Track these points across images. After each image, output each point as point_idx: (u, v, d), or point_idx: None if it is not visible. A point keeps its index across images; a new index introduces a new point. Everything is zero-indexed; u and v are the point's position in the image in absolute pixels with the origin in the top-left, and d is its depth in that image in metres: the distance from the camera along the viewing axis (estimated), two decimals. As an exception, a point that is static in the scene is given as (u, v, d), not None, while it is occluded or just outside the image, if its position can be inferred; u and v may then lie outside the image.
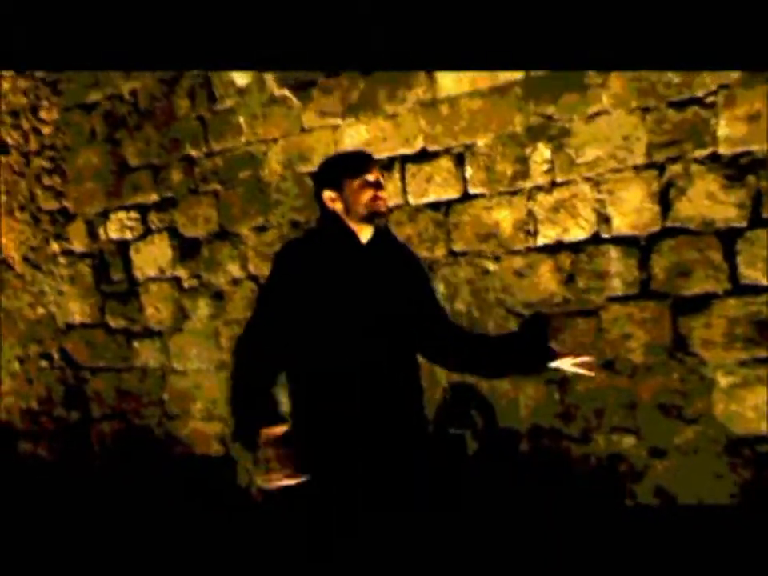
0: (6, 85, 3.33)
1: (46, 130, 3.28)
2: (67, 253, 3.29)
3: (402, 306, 1.51)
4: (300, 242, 1.58)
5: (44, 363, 3.35)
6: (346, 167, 1.57)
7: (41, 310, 3.34)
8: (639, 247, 2.23)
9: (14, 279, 3.37)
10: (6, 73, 3.30)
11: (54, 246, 3.30)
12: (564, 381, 2.34)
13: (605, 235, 2.28)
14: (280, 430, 1.37)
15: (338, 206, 1.54)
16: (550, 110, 2.32)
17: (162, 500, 2.90)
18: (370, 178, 1.54)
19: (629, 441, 2.27)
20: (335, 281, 1.45)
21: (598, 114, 2.26)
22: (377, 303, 1.46)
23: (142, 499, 2.90)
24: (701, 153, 2.14)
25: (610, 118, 2.24)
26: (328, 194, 1.56)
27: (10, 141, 3.34)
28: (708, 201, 2.14)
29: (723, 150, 2.11)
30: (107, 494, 3.02)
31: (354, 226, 1.53)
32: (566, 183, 2.32)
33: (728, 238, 2.12)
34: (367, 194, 1.52)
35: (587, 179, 2.29)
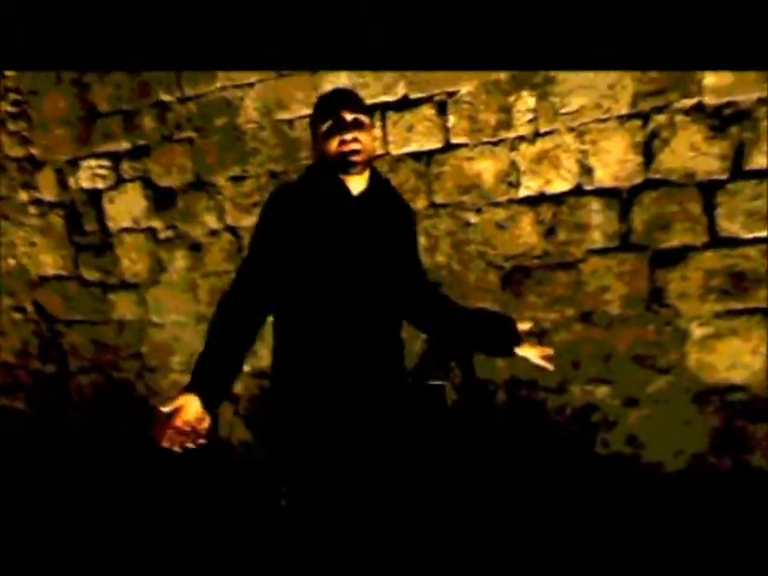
0: (-37, 22, 3.14)
1: (9, 71, 3.13)
2: (37, 202, 3.19)
3: (387, 259, 1.46)
4: (291, 187, 1.47)
5: (18, 316, 3.30)
6: (317, 110, 1.45)
7: (12, 262, 3.26)
8: (621, 199, 2.23)
9: (-17, 230, 3.28)
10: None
11: (23, 195, 3.20)
12: (543, 333, 2.37)
13: (587, 187, 2.27)
14: (198, 408, 1.30)
15: (319, 154, 1.44)
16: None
17: (142, 452, 2.92)
18: (336, 120, 1.39)
19: (603, 391, 2.32)
20: (321, 230, 1.39)
21: (583, 61, 2.21)
22: (362, 255, 1.41)
23: (121, 451, 2.92)
24: (686, 103, 2.12)
25: (596, 66, 2.20)
26: (312, 142, 1.47)
27: (-30, 83, 3.19)
28: (691, 152, 2.13)
29: (709, 99, 2.09)
30: (86, 446, 3.04)
31: (341, 174, 1.43)
32: (550, 133, 2.29)
33: (708, 191, 2.12)
34: (333, 141, 1.38)
35: (571, 129, 2.26)
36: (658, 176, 2.18)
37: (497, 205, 2.40)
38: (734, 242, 2.11)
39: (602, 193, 2.25)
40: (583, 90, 2.23)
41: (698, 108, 2.11)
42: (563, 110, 2.26)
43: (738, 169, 2.08)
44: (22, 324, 3.30)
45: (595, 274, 2.29)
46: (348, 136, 1.39)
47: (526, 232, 2.36)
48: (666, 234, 2.19)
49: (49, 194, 3.16)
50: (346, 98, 1.46)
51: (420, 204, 2.49)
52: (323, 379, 1.41)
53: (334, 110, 1.41)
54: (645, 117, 2.17)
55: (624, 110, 2.19)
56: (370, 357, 1.43)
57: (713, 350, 2.17)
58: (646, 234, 2.22)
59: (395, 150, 2.51)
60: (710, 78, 2.08)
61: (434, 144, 2.45)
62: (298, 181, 1.50)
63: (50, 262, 3.20)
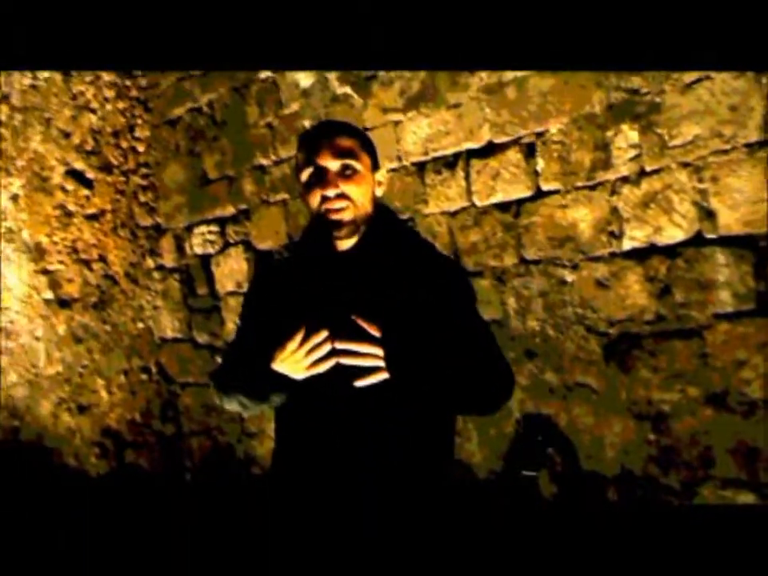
0: (108, 106, 3.79)
1: (140, 147, 3.68)
2: (160, 268, 3.65)
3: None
4: (279, 256, 1.51)
5: (144, 376, 3.76)
6: (297, 152, 1.27)
7: (140, 324, 3.75)
8: (756, 249, 1.89)
9: (119, 294, 3.83)
10: (108, 94, 3.73)
11: (149, 262, 3.68)
12: (659, 416, 2.07)
13: (709, 235, 1.96)
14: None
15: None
16: (636, 81, 2.07)
17: (243, 522, 3.07)
18: (315, 169, 1.20)
19: (746, 498, 1.93)
20: (297, 296, 1.27)
21: (696, 81, 1.96)
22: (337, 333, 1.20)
23: (223, 520, 3.11)
24: (842, 120, 1.75)
25: (713, 85, 1.93)
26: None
27: (112, 160, 3.79)
28: None
29: None
30: (195, 512, 3.29)
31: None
32: (658, 172, 2.05)
33: None
34: (314, 196, 1.21)
35: (684, 165, 1.99)
36: (807, 217, 1.82)
37: (597, 259, 2.18)
38: None
39: (729, 242, 1.93)
40: (697, 117, 1.96)
41: None
42: (673, 143, 2.01)
43: None
44: (147, 384, 3.75)
45: (726, 345, 1.95)
46: (330, 192, 1.20)
47: (634, 291, 2.11)
48: (825, 292, 1.80)
49: (169, 259, 3.60)
50: (329, 136, 1.24)
51: (508, 261, 2.37)
52: (297, 469, 1.32)
53: (312, 154, 1.22)
54: (784, 142, 1.84)
55: (753, 137, 1.88)
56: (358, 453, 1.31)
57: None
58: (794, 293, 1.84)
59: (480, 201, 2.43)
60: None
61: (523, 192, 2.33)
62: (295, 244, 1.50)
63: (168, 325, 3.62)
